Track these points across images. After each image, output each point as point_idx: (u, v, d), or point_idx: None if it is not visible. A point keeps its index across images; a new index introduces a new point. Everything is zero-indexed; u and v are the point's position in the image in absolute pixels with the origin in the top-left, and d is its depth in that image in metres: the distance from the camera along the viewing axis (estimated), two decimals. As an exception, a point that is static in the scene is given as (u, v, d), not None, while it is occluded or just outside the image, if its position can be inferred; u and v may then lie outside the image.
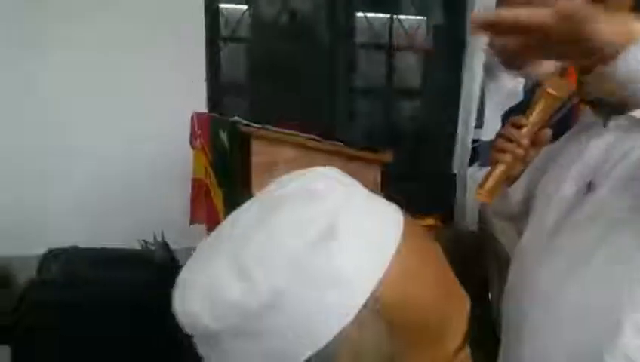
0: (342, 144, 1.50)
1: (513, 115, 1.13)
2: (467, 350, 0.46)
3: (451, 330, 0.44)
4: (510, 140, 1.07)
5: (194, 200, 1.93)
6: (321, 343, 0.38)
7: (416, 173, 2.63)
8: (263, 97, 2.46)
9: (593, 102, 0.98)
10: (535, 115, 1.05)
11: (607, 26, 0.66)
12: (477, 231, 2.08)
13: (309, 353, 0.38)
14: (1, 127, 2.07)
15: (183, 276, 0.43)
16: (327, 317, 0.38)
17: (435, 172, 2.61)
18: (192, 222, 1.94)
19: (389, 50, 2.67)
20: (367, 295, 0.39)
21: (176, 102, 2.03)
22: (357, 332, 0.39)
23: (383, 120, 2.73)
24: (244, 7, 2.42)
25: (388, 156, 1.53)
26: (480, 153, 2.30)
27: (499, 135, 1.10)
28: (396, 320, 0.40)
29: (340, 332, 0.38)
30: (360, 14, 2.56)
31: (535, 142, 1.08)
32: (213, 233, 0.46)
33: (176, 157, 1.98)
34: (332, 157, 1.44)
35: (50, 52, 2.05)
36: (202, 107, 2.16)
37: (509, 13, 0.62)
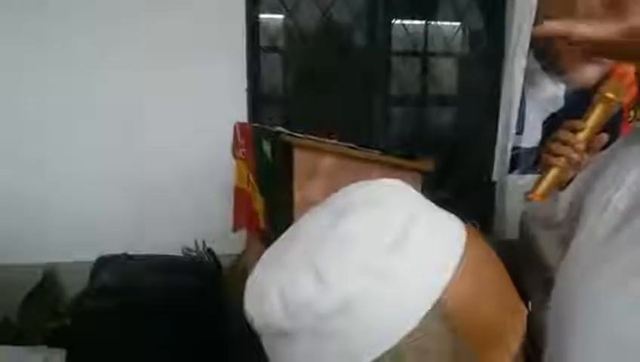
0: (380, 153, 1.52)
1: (554, 121, 1.13)
2: (522, 359, 0.48)
3: (510, 337, 0.45)
4: (565, 144, 1.06)
5: (236, 208, 1.97)
6: (389, 345, 0.40)
7: (454, 181, 2.61)
8: (300, 107, 2.49)
9: None
10: (592, 120, 1.04)
11: None
12: (517, 240, 2.06)
13: (377, 354, 0.40)
14: (56, 128, 2.13)
15: (256, 277, 0.45)
16: (396, 320, 0.41)
17: (474, 180, 2.59)
18: (235, 229, 1.98)
19: (424, 56, 2.67)
20: (434, 299, 0.41)
21: (218, 112, 2.08)
22: (423, 334, 0.41)
23: (421, 128, 2.73)
24: (282, 16, 2.45)
25: (429, 164, 1.54)
26: (520, 160, 2.27)
27: (554, 139, 1.10)
28: (460, 324, 0.42)
29: (408, 335, 0.40)
30: (397, 22, 2.57)
31: (590, 147, 1.07)
32: (282, 238, 0.48)
33: (219, 166, 2.03)
34: (372, 165, 1.46)
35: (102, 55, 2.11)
36: (243, 117, 2.21)
37: (580, 30, 0.61)
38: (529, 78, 2.21)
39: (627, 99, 1.03)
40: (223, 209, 2.00)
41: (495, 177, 2.39)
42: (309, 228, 0.46)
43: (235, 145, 1.81)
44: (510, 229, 2.28)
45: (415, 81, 2.69)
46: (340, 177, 1.41)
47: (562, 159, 1.07)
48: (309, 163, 1.34)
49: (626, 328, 0.78)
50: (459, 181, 2.61)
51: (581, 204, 1.13)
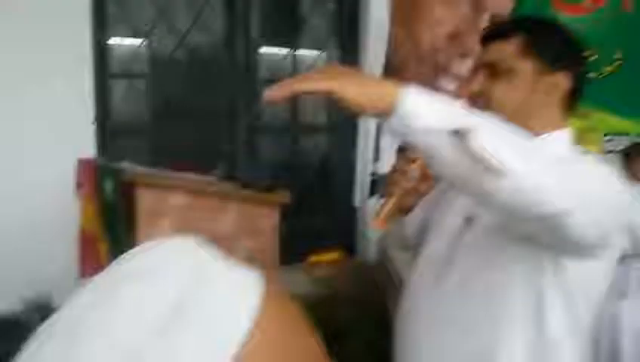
0: (239, 185, 1.47)
1: (407, 148, 1.19)
2: None
3: None
4: (403, 174, 1.13)
5: (83, 251, 1.80)
6: None
7: (321, 207, 2.63)
8: (160, 138, 2.36)
9: None
10: None
11: (354, 88, 0.81)
12: (377, 260, 2.12)
13: None
14: None
15: None
16: None
17: (341, 205, 2.63)
18: (83, 276, 1.81)
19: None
20: None
21: (61, 147, 1.90)
22: None
23: (287, 156, 2.72)
24: (139, 41, 2.31)
25: (285, 197, 1.51)
26: (379, 185, 2.34)
27: (393, 169, 1.17)
28: None
29: None
30: (261, 50, 2.55)
31: (426, 175, 1.14)
32: (49, 321, 0.40)
33: (65, 206, 1.84)
34: (226, 200, 1.40)
35: None
36: (91, 151, 2.03)
37: (298, 87, 0.83)
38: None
39: None
40: (71, 254, 1.81)
41: (356, 202, 2.44)
42: (72, 312, 0.39)
43: (78, 183, 1.65)
44: (373, 251, 2.34)
45: (281, 109, 2.69)
46: (192, 215, 1.33)
47: (398, 187, 1.13)
48: (154, 201, 1.25)
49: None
50: (327, 206, 2.63)
51: (425, 226, 1.24)
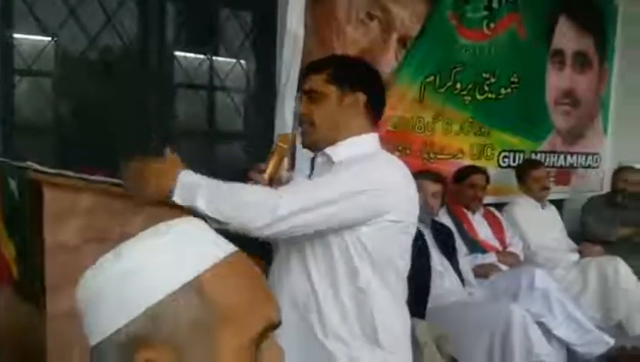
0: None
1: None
2: (276, 343, 0.60)
3: (257, 316, 0.57)
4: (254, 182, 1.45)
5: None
6: (152, 301, 0.54)
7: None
8: (67, 139, 2.28)
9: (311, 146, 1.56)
10: (272, 162, 1.49)
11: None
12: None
13: (144, 306, 0.54)
14: None
15: None
16: (160, 283, 0.54)
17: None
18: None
19: (209, 91, 2.68)
20: (192, 276, 0.55)
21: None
22: (180, 299, 0.54)
23: (202, 162, 2.71)
24: (47, 39, 2.22)
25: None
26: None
27: (246, 178, 1.48)
28: (211, 298, 0.55)
29: (168, 296, 0.54)
30: (175, 53, 2.54)
31: (274, 181, 1.50)
32: None
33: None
34: (136, 203, 1.39)
35: None
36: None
37: None
38: (297, 118, 2.36)
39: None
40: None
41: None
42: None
43: (-22, 183, 1.57)
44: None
45: (195, 114, 2.68)
46: (100, 216, 1.32)
47: None
48: (62, 202, 1.23)
49: None
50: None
51: None
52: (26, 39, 2.19)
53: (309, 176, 1.60)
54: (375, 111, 1.54)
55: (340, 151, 1.48)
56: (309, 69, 1.58)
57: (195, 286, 0.55)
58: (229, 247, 0.60)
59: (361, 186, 1.37)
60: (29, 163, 1.35)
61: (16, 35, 2.12)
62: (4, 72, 2.04)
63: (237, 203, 1.30)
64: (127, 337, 0.53)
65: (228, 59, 2.70)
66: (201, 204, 1.25)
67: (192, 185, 1.27)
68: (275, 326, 0.59)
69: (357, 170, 1.41)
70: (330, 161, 1.49)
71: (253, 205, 1.30)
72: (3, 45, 2.04)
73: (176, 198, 1.27)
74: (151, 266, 0.55)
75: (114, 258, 0.57)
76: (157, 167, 1.32)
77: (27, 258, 1.36)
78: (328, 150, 1.49)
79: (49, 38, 2.21)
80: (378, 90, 1.55)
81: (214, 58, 2.66)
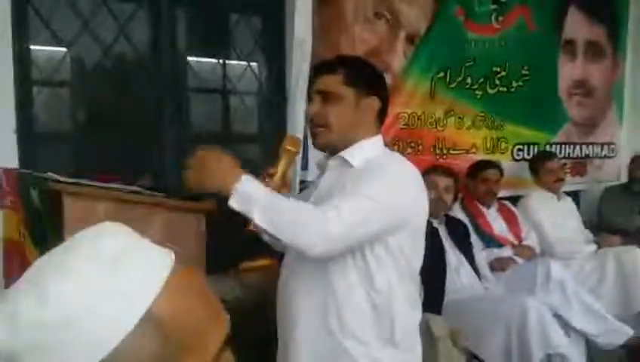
0: (164, 195, 1.51)
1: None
2: (228, 352, 0.57)
3: (213, 336, 0.54)
4: (266, 186, 1.39)
5: (7, 262, 1.77)
6: (107, 350, 0.47)
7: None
8: (84, 148, 2.34)
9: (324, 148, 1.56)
10: (281, 166, 1.46)
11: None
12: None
13: (98, 358, 0.47)
14: None
15: None
16: (112, 328, 0.47)
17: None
18: (8, 286, 1.78)
19: (222, 95, 2.72)
20: (146, 308, 0.49)
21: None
22: (137, 339, 0.48)
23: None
24: (63, 49, 2.28)
25: (211, 204, 1.57)
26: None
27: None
28: (168, 328, 0.50)
29: (124, 340, 0.47)
30: (188, 59, 2.58)
31: (284, 184, 1.49)
32: (19, 280, 0.52)
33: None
34: (153, 209, 1.44)
35: None
36: (14, 161, 2.00)
37: None
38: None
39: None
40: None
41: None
42: (38, 264, 0.52)
43: (1, 194, 1.63)
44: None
45: (210, 118, 2.73)
46: (119, 221, 1.36)
47: None
48: (81, 210, 1.28)
49: None
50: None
51: None
52: (42, 50, 2.25)
53: (318, 178, 1.62)
54: (384, 115, 1.58)
55: (355, 154, 1.49)
56: (320, 70, 1.57)
57: (149, 319, 0.49)
58: (167, 258, 0.54)
59: (397, 198, 1.40)
60: (49, 173, 1.41)
61: (32, 47, 2.18)
62: (21, 83, 2.10)
63: (293, 224, 1.32)
64: None
65: (239, 62, 2.74)
66: (257, 218, 1.28)
67: (250, 196, 1.29)
68: (228, 338, 0.56)
69: (389, 181, 1.41)
70: (347, 164, 1.49)
71: (309, 229, 1.31)
72: (20, 57, 2.10)
73: (233, 203, 1.29)
74: (93, 311, 0.47)
75: (39, 307, 0.46)
76: (223, 164, 1.33)
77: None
78: (344, 154, 1.50)
79: (64, 49, 2.27)
80: (388, 96, 1.59)
81: (226, 62, 2.70)
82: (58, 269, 0.49)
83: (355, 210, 1.33)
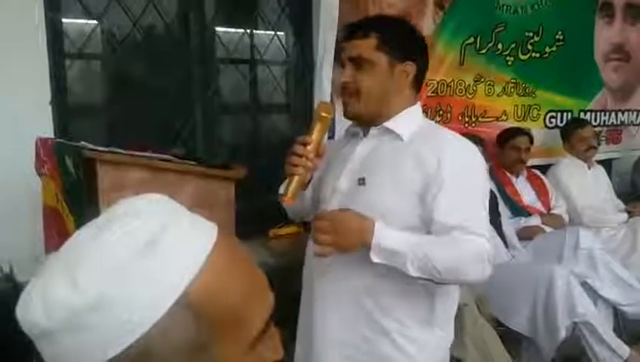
0: (195, 163, 1.55)
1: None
2: (272, 328, 0.55)
3: (254, 316, 0.52)
4: (300, 156, 1.34)
5: (47, 228, 1.85)
6: (137, 334, 0.46)
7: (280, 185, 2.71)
8: (116, 119, 2.40)
9: (356, 118, 1.47)
10: (316, 133, 1.37)
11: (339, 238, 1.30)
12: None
13: (129, 341, 0.46)
14: None
15: (26, 288, 0.50)
16: (141, 312, 0.46)
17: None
18: (48, 251, 1.86)
19: (250, 65, 2.74)
20: (180, 292, 0.47)
21: (19, 126, 1.93)
22: (169, 324, 0.47)
23: (246, 135, 2.79)
24: (94, 22, 2.33)
25: (241, 172, 1.60)
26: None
27: (291, 152, 1.37)
28: (205, 313, 0.48)
29: (155, 325, 0.47)
30: (217, 29, 2.60)
31: (319, 153, 1.38)
32: (54, 253, 0.53)
33: (25, 184, 1.88)
34: (184, 176, 1.48)
35: None
36: (49, 131, 2.07)
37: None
38: (335, 88, 2.39)
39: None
40: (34, 230, 1.86)
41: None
42: (72, 241, 0.52)
43: (39, 162, 1.70)
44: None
45: (239, 88, 2.75)
46: (151, 190, 1.41)
47: (300, 168, 1.35)
48: (115, 177, 1.32)
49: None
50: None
51: (316, 192, 1.55)
52: (73, 23, 2.30)
53: (342, 144, 1.56)
54: (421, 82, 1.49)
55: (401, 125, 1.42)
56: (351, 33, 1.44)
57: (184, 304, 0.47)
58: (209, 232, 0.52)
59: (486, 187, 1.46)
60: (83, 142, 1.46)
61: (64, 20, 2.23)
62: (54, 56, 2.15)
63: (453, 271, 1.30)
64: None
65: (266, 32, 2.74)
66: (411, 271, 1.27)
67: (395, 252, 1.28)
68: (274, 313, 0.54)
69: (477, 175, 1.41)
70: (392, 135, 1.42)
71: (472, 267, 1.31)
72: (53, 30, 2.15)
73: (375, 258, 1.29)
74: (122, 294, 0.46)
75: (70, 290, 0.46)
76: (353, 223, 1.30)
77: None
78: (388, 124, 1.42)
79: (95, 22, 2.31)
80: (426, 60, 1.48)
81: (254, 32, 2.71)
82: (90, 250, 0.48)
83: (484, 221, 1.35)
